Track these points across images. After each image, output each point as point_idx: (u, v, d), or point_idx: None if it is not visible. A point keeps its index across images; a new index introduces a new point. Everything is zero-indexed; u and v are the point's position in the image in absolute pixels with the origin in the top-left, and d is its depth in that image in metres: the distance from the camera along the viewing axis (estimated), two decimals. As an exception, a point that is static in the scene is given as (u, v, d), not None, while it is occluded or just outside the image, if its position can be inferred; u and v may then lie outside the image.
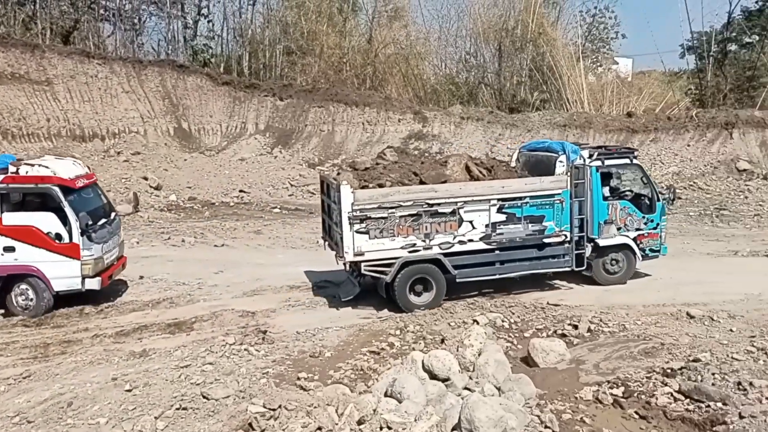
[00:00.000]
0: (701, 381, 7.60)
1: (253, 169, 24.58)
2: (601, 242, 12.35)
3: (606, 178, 12.61)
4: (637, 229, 12.57)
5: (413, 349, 9.07)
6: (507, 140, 25.02)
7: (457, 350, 8.52)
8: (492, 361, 8.10)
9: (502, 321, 10.35)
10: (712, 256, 13.59)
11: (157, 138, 25.17)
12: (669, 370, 8.04)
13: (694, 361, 8.24)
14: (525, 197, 11.59)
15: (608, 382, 8.00)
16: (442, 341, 9.32)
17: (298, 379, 8.30)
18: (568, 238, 11.98)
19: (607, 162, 12.46)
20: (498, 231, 11.55)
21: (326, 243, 12.69)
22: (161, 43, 32.12)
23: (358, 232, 10.98)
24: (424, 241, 11.28)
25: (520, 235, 11.67)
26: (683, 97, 31.78)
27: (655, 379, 7.94)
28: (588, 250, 12.32)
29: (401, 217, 11.12)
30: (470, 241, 11.48)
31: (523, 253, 11.85)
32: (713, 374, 7.74)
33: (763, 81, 30.06)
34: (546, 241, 11.86)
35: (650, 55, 64.15)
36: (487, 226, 11.49)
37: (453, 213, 11.32)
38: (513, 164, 13.19)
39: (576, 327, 9.87)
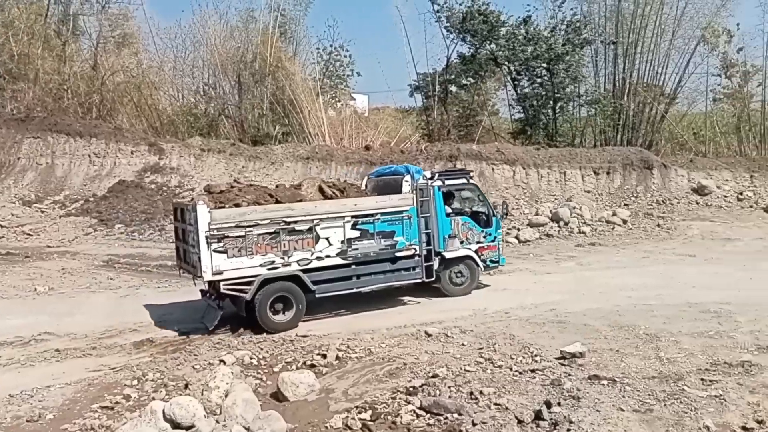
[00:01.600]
0: (439, 395, 7.99)
1: (-51, 209, 21.06)
2: (447, 255, 13.54)
3: (447, 196, 13.83)
4: (478, 242, 13.96)
5: (153, 398, 8.28)
6: (251, 173, 24.76)
7: (202, 394, 8.00)
8: (240, 401, 7.71)
9: (251, 358, 9.94)
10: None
11: None
12: (411, 389, 8.34)
13: (433, 377, 8.67)
14: (376, 214, 12.43)
15: (357, 407, 8.03)
16: (186, 386, 8.65)
17: (11, 451, 7.07)
18: (418, 252, 12.90)
19: (448, 182, 13.84)
20: (353, 246, 12.22)
21: (181, 270, 12.85)
22: None
23: (215, 251, 11.10)
24: (282, 258, 11.64)
25: (374, 250, 12.43)
26: (414, 131, 34.52)
27: (400, 398, 8.16)
28: (436, 263, 13.35)
29: (259, 235, 11.43)
30: (327, 257, 12.06)
31: (377, 267, 12.61)
32: (449, 387, 8.19)
33: (478, 119, 34.03)
34: (398, 255, 12.71)
35: (383, 92, 69.33)
36: (342, 242, 12.13)
37: (310, 230, 11.86)
38: (363, 190, 14.03)
39: (325, 356, 9.81)
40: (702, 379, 8.06)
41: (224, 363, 9.49)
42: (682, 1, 32.28)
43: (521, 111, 33.89)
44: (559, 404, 7.44)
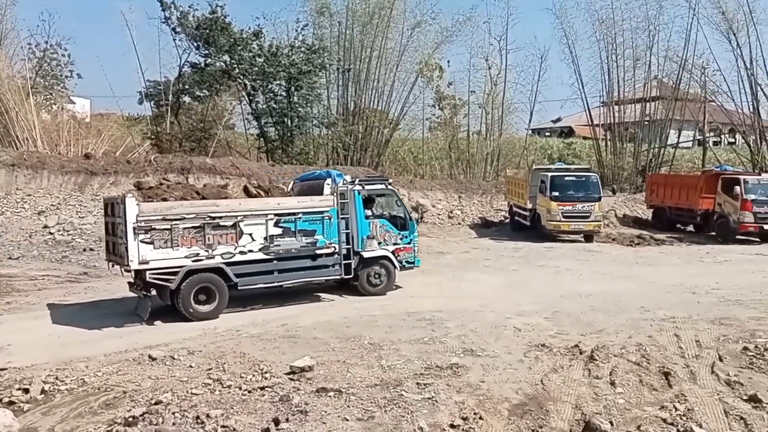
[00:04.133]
0: (162, 422, 7.46)
1: None
2: (365, 254, 14.47)
3: (367, 200, 14.78)
4: (395, 244, 14.95)
5: None
6: (-64, 181, 21.05)
7: None
8: None
9: (-75, 401, 8.29)
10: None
11: None
12: (131, 419, 7.66)
13: (155, 403, 8.07)
14: (298, 213, 13.24)
15: (64, 446, 7.16)
16: None
17: None
18: (337, 250, 13.76)
19: (367, 187, 14.87)
20: (275, 243, 12.94)
21: (111, 264, 13.26)
22: None
23: (142, 242, 11.67)
24: (206, 251, 12.27)
25: (295, 247, 13.19)
26: (143, 141, 32.59)
27: (117, 430, 7.45)
28: (355, 262, 14.27)
29: (185, 228, 12.05)
30: (250, 251, 12.73)
31: (298, 263, 13.39)
32: (174, 413, 7.70)
33: (213, 132, 33.25)
34: (318, 252, 13.49)
35: (109, 98, 64.60)
36: (265, 238, 12.84)
37: (234, 226, 12.52)
38: (288, 193, 15.18)
39: (27, 391, 8.57)
40: (418, 383, 8.69)
41: None
42: (404, 38, 35.56)
43: (258, 127, 34.04)
44: (287, 420, 7.42)
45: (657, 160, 38.76)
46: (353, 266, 14.31)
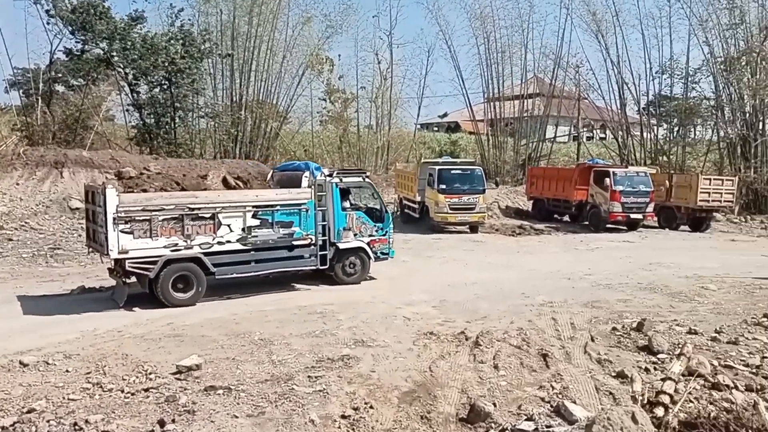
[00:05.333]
0: (36, 430, 7.04)
1: None
2: (341, 245, 14.71)
3: (344, 192, 14.95)
4: (370, 235, 15.20)
5: None
6: None
7: None
8: None
9: None
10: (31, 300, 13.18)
11: None
12: (1, 429, 7.17)
13: (28, 412, 7.58)
14: (276, 205, 13.52)
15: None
16: None
17: None
18: (314, 242, 14.07)
19: (345, 179, 15.04)
20: (253, 234, 13.22)
21: (90, 249, 13.77)
22: None
23: (122, 232, 11.92)
24: (185, 241, 12.52)
25: (272, 238, 13.50)
26: (11, 133, 30.29)
27: (-16, 443, 6.96)
28: (331, 253, 14.53)
29: (164, 219, 12.28)
30: (228, 242, 13.01)
31: (275, 254, 13.68)
32: (48, 421, 7.27)
33: (90, 123, 31.38)
34: (294, 243, 13.83)
35: (-30, 87, 59.59)
36: (243, 229, 13.12)
37: (212, 217, 12.76)
38: (268, 181, 15.69)
39: None
40: (309, 377, 8.70)
41: None
42: (290, 28, 35.25)
43: (139, 118, 32.52)
44: (173, 421, 7.22)
45: (536, 154, 40.78)
46: (329, 257, 14.59)
